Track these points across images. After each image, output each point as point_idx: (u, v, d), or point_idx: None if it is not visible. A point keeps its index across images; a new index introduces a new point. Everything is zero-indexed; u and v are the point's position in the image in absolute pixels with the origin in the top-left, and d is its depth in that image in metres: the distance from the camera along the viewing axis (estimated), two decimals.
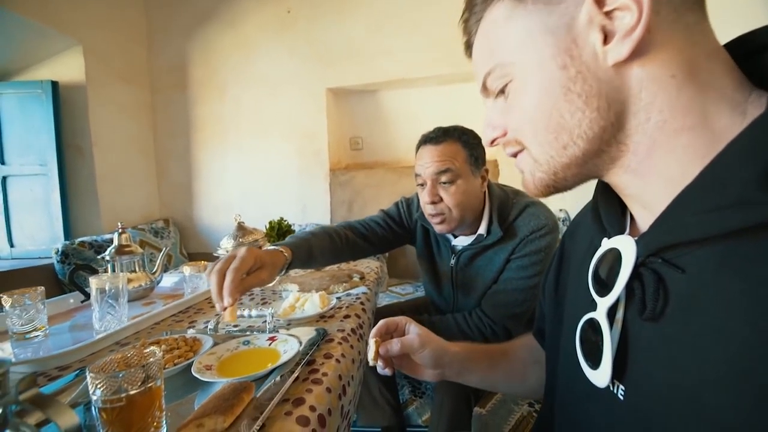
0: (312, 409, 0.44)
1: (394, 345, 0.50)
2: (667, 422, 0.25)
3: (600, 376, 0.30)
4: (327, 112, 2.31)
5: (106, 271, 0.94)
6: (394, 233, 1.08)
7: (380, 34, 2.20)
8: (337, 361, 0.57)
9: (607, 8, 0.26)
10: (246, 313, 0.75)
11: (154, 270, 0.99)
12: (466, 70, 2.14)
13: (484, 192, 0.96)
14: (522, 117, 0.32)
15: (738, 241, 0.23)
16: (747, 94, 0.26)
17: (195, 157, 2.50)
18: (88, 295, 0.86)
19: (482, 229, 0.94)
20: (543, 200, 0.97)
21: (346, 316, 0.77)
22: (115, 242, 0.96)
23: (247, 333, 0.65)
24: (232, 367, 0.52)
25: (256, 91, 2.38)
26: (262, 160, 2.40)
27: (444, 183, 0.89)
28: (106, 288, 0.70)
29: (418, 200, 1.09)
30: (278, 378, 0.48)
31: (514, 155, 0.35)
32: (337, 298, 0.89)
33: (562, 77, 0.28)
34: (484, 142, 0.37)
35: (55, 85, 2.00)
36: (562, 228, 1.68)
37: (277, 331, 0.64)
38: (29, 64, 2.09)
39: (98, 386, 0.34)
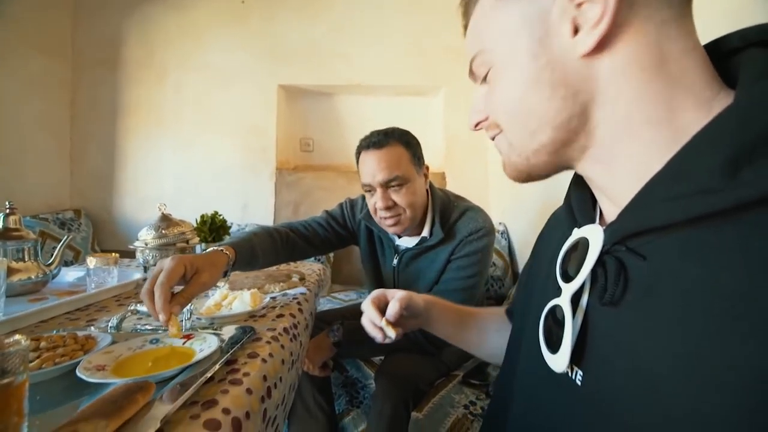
0: (225, 411, 0.38)
1: (393, 308, 0.52)
2: (624, 408, 0.25)
3: (558, 361, 0.30)
4: (277, 109, 2.21)
5: None
6: (337, 234, 1.06)
7: (340, 37, 2.18)
8: (264, 360, 0.51)
9: (578, 0, 0.27)
10: None
11: (51, 261, 0.84)
12: (422, 84, 2.25)
13: (427, 191, 0.98)
14: (498, 102, 0.33)
15: (699, 229, 0.23)
16: (716, 93, 0.26)
17: (121, 144, 2.22)
18: None
19: (425, 232, 0.95)
20: (482, 207, 1.01)
21: (280, 316, 0.71)
22: None
23: (159, 331, 0.56)
24: (132, 367, 0.44)
25: (202, 80, 2.20)
26: (202, 152, 2.21)
27: (394, 187, 0.91)
28: None
29: (363, 201, 1.07)
30: (188, 377, 0.41)
31: (493, 138, 0.36)
32: (272, 297, 0.82)
33: (533, 66, 0.29)
34: (469, 125, 0.38)
35: None
36: (500, 238, 1.77)
37: (196, 330, 0.57)
38: None
39: None
